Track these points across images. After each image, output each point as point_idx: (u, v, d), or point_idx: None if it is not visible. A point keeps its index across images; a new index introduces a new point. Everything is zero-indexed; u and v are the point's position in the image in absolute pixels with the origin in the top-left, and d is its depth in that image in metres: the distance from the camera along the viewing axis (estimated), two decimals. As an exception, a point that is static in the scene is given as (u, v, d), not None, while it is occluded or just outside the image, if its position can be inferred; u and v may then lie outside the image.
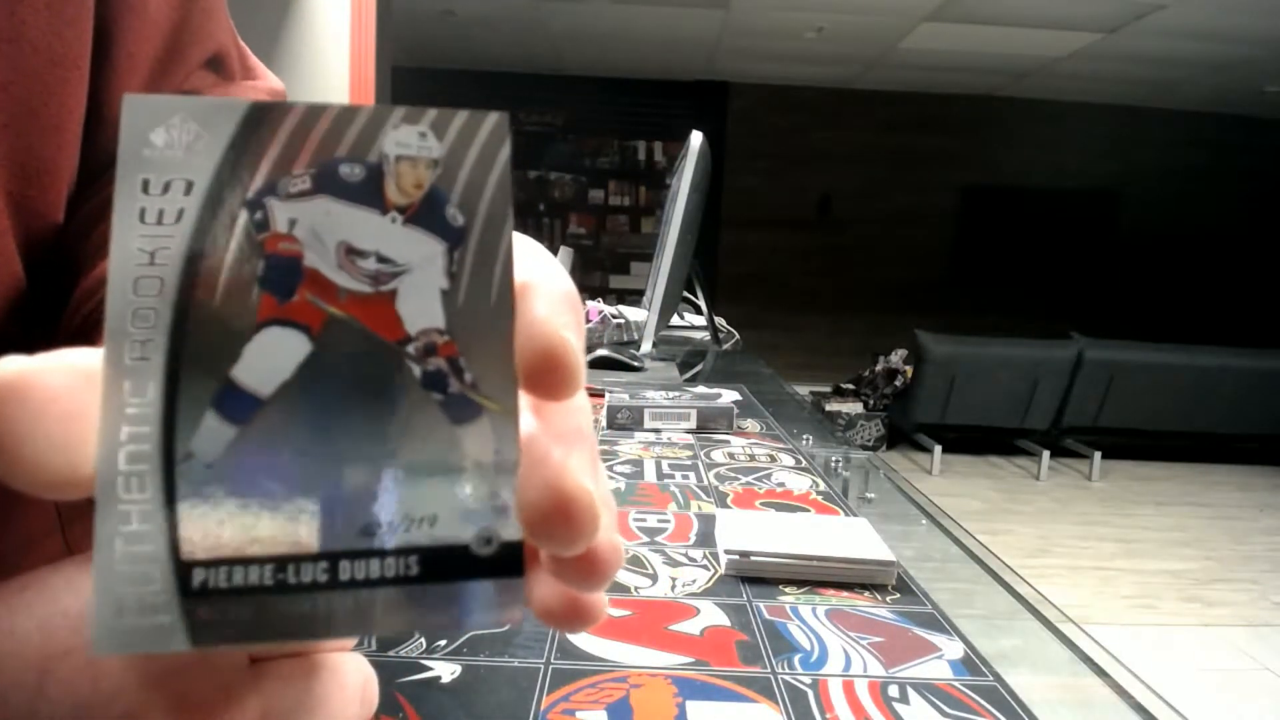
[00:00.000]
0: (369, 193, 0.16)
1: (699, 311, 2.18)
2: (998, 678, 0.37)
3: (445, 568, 0.16)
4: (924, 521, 0.66)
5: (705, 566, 0.50)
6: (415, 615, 0.16)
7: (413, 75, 6.08)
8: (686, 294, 2.14)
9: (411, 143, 0.16)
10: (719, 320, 2.01)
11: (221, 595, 0.14)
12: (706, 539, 0.55)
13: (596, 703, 0.34)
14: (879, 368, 5.59)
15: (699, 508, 0.63)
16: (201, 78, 0.42)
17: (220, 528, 0.15)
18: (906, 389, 5.24)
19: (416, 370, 0.16)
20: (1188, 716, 0.35)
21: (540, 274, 0.17)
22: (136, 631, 0.14)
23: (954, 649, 0.40)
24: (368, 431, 0.15)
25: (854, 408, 5.39)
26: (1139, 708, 0.37)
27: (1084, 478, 4.90)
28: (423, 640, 0.39)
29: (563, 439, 0.18)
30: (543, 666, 0.36)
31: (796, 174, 6.99)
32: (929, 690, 0.36)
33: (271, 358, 0.15)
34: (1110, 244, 7.10)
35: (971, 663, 0.39)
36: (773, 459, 0.79)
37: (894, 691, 0.36)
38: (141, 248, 0.14)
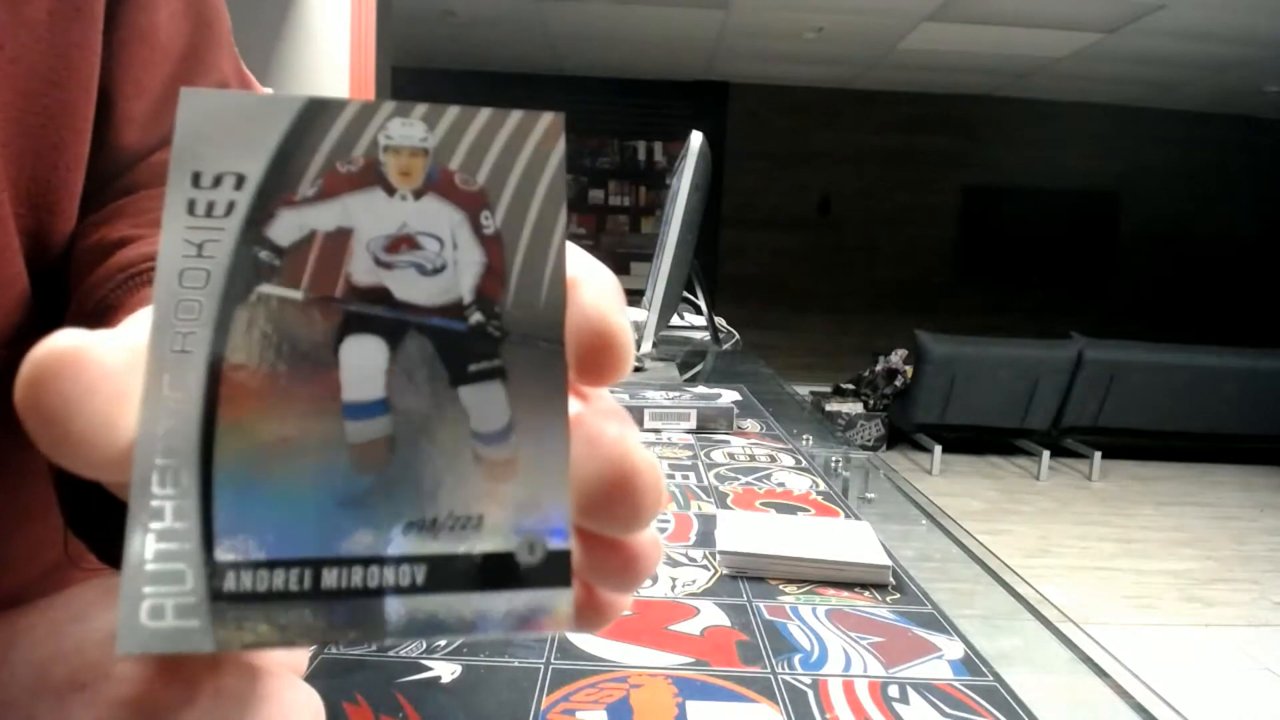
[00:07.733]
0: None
1: (699, 311, 2.18)
2: (998, 678, 0.37)
3: (490, 577, 0.15)
4: (924, 521, 0.66)
5: (705, 567, 0.50)
6: (454, 622, 0.15)
7: (413, 75, 6.08)
8: (686, 294, 2.14)
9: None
10: (719, 320, 2.01)
11: (253, 599, 0.14)
12: (706, 539, 0.55)
13: (596, 703, 0.34)
14: (879, 368, 5.59)
15: (699, 508, 0.63)
16: None
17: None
18: (906, 389, 5.24)
19: (472, 364, 0.15)
20: (1188, 716, 0.35)
21: (586, 267, 0.17)
22: (161, 633, 0.13)
23: (954, 649, 0.40)
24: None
25: (854, 408, 5.39)
26: (1139, 708, 0.37)
27: (1084, 478, 4.90)
28: (422, 640, 0.39)
29: (613, 416, 0.17)
30: (543, 667, 0.36)
31: (796, 174, 6.99)
32: (929, 690, 0.36)
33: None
34: (1110, 244, 7.10)
35: (971, 663, 0.39)
36: (773, 459, 0.79)
37: (894, 691, 0.36)
38: (189, 239, 0.14)
